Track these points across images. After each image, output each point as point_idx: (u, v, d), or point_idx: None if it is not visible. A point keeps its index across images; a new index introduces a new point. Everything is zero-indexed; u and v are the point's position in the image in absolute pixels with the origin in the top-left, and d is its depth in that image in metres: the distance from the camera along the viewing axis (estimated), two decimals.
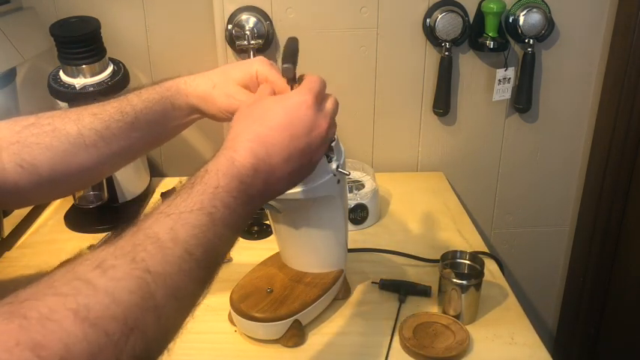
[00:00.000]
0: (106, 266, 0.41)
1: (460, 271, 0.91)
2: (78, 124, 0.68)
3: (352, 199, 1.15)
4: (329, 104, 0.64)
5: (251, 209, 0.55)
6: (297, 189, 0.77)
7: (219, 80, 0.72)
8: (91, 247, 1.03)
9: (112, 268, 0.41)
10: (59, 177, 0.67)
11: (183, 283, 0.45)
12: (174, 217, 0.47)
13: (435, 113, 1.38)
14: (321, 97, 0.63)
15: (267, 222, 1.15)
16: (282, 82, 0.69)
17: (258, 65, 0.72)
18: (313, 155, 0.61)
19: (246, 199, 0.53)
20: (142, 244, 0.44)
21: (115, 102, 0.70)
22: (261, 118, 0.59)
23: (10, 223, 1.10)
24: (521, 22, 1.27)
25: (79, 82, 1.10)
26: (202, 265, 0.47)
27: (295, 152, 0.58)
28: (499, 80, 1.34)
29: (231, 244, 0.53)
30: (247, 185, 0.53)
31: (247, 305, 0.84)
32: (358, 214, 1.16)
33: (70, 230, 1.16)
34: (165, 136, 0.76)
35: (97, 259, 0.41)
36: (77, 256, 0.42)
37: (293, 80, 0.67)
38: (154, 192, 1.31)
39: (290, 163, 0.58)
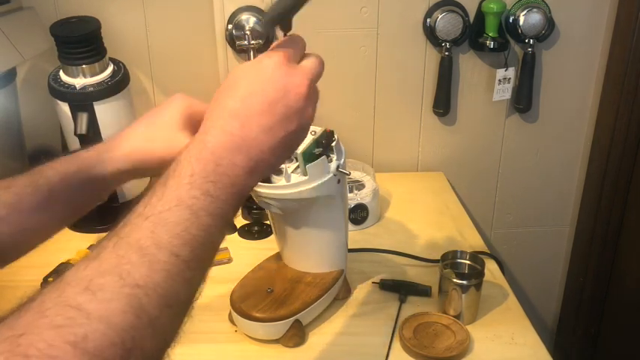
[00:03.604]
0: (95, 288, 0.39)
1: (460, 271, 0.91)
2: None
3: (352, 199, 1.15)
4: (308, 62, 0.56)
5: (238, 191, 0.50)
6: (297, 189, 0.77)
7: (153, 130, 0.64)
8: (92, 247, 1.03)
9: (100, 289, 0.39)
10: None
11: (173, 289, 0.43)
12: (152, 219, 0.44)
13: (435, 113, 1.38)
14: (295, 56, 0.55)
15: (267, 222, 1.15)
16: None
17: (181, 102, 0.64)
18: (300, 119, 0.53)
19: (229, 180, 0.48)
20: (125, 256, 0.41)
21: (29, 174, 0.64)
22: (231, 89, 0.53)
23: None
24: (521, 22, 1.27)
25: (79, 82, 1.10)
26: (192, 266, 0.44)
27: (276, 119, 0.51)
28: (499, 80, 1.34)
29: (220, 234, 0.49)
30: (226, 167, 0.49)
31: (248, 305, 0.84)
32: (358, 214, 1.16)
33: (70, 230, 1.16)
34: (89, 204, 0.70)
35: (84, 280, 0.40)
36: (63, 273, 0.41)
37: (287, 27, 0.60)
38: None
39: (273, 132, 0.51)
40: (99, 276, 0.40)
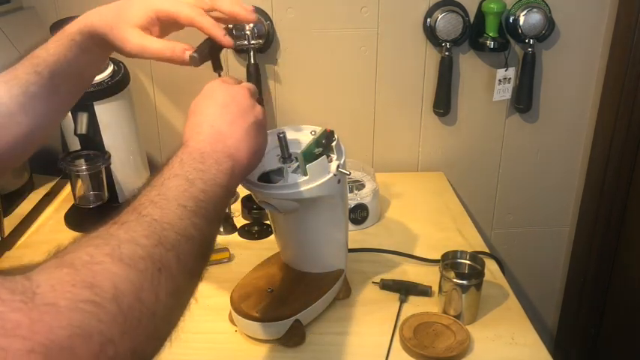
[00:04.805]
0: (120, 222, 0.47)
1: (460, 271, 0.91)
2: None
3: (352, 199, 1.15)
4: (242, 82, 0.71)
5: (225, 168, 0.60)
6: (297, 189, 0.77)
7: (115, 22, 0.69)
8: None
9: (125, 222, 0.47)
10: (3, 152, 0.67)
11: (187, 230, 0.50)
12: (157, 186, 0.53)
13: (436, 113, 1.38)
14: (230, 81, 0.70)
15: (267, 222, 1.15)
16: (186, 14, 0.68)
17: (158, 4, 0.69)
18: (253, 112, 0.67)
19: (213, 161, 0.59)
20: (141, 206, 0.50)
21: (26, 63, 0.69)
22: (195, 110, 0.66)
23: (10, 222, 1.10)
24: (521, 22, 1.27)
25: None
26: (199, 215, 0.53)
27: (234, 115, 0.65)
28: (499, 80, 1.34)
29: (220, 200, 0.58)
30: (209, 152, 0.59)
31: (248, 305, 0.84)
32: (358, 214, 1.16)
33: (70, 230, 1.16)
34: (89, 77, 0.77)
35: (111, 221, 0.48)
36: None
37: (219, 67, 0.75)
38: None
39: (237, 124, 0.64)
40: (122, 216, 0.49)
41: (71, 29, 0.70)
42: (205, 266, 0.54)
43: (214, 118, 0.64)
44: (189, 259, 0.50)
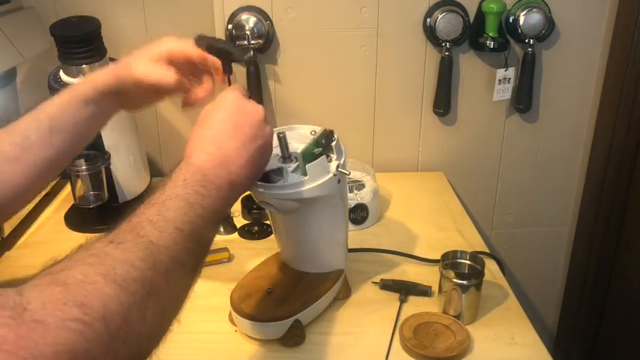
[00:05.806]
0: (117, 241, 0.48)
1: (460, 271, 0.91)
2: None
3: (352, 199, 1.15)
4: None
5: (225, 196, 0.60)
6: (297, 189, 0.77)
7: (129, 60, 0.74)
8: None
9: (122, 242, 0.47)
10: (2, 199, 0.67)
11: (180, 255, 0.51)
12: (157, 205, 0.53)
13: (436, 113, 1.38)
14: (245, 93, 0.70)
15: (267, 222, 1.15)
16: (198, 52, 0.74)
17: (168, 44, 0.74)
18: (263, 136, 0.67)
19: (214, 186, 0.59)
20: (139, 225, 0.50)
21: (29, 114, 0.71)
22: (206, 121, 0.65)
23: (10, 223, 1.10)
24: (521, 22, 1.27)
25: (79, 82, 1.10)
26: (193, 239, 0.53)
27: (245, 137, 0.64)
28: (499, 80, 1.34)
29: (214, 225, 0.59)
30: (211, 175, 0.59)
31: (248, 305, 0.84)
32: (358, 214, 1.16)
33: (70, 230, 1.16)
34: (88, 135, 0.77)
35: (107, 239, 0.48)
36: (86, 241, 0.48)
37: (229, 70, 0.77)
38: None
39: (244, 148, 0.64)
40: (120, 235, 0.49)
41: (78, 86, 0.74)
42: (192, 288, 0.55)
43: (224, 138, 0.63)
44: (178, 283, 0.51)
